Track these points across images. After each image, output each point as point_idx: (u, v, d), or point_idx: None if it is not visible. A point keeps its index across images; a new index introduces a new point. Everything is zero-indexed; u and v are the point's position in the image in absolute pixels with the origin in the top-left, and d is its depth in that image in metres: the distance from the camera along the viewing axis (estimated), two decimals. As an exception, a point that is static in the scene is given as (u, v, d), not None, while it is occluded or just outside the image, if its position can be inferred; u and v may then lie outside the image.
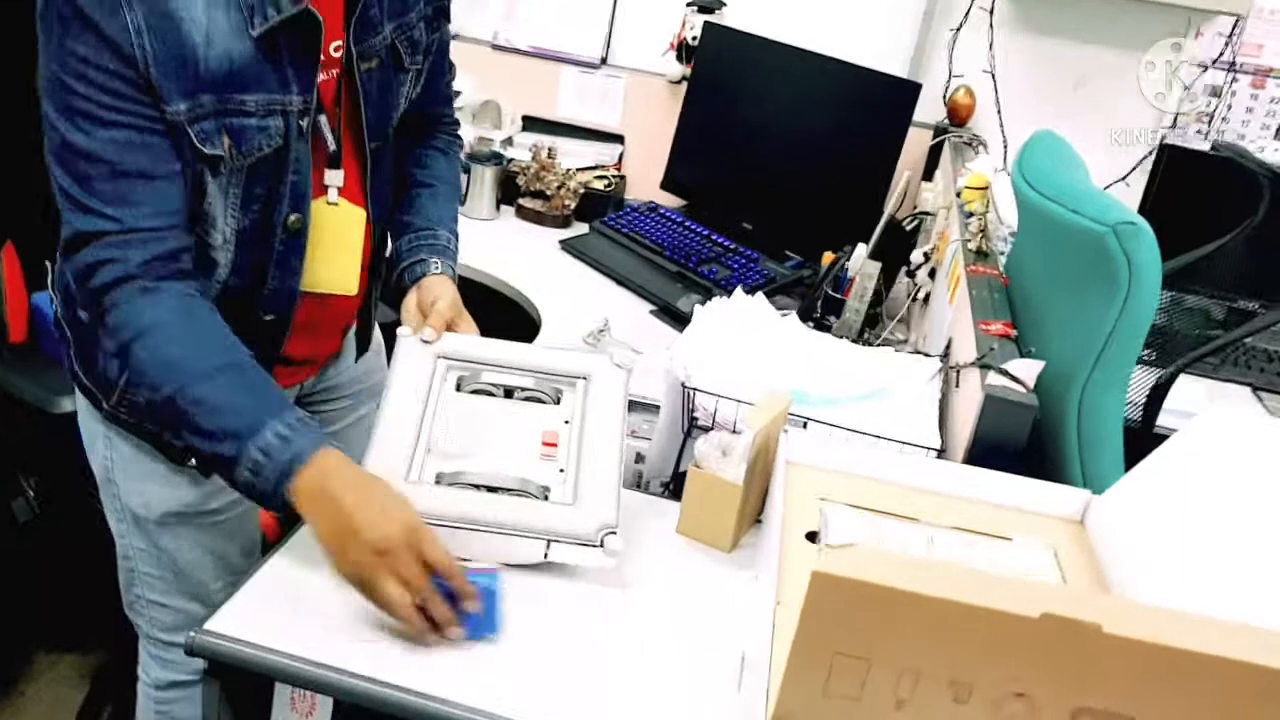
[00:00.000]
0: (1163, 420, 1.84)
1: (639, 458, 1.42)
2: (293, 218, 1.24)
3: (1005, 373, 1.26)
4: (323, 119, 1.24)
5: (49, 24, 1.07)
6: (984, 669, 0.73)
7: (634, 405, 1.46)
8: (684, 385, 1.32)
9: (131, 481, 1.37)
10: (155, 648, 1.49)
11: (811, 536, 1.08)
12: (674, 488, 1.38)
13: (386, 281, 1.46)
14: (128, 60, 1.07)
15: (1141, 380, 1.96)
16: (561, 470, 1.21)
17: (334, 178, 1.29)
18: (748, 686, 0.98)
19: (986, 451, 1.23)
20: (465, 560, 1.10)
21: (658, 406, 1.43)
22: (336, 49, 1.23)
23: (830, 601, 0.72)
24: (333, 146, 1.27)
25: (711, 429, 1.31)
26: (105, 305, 1.13)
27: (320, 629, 1.05)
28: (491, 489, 1.18)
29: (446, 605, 1.05)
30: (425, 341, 1.30)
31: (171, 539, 1.40)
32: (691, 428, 1.34)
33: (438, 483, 1.17)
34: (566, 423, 1.26)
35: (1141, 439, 1.85)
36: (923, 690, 0.75)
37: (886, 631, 0.73)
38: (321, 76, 1.22)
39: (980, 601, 0.70)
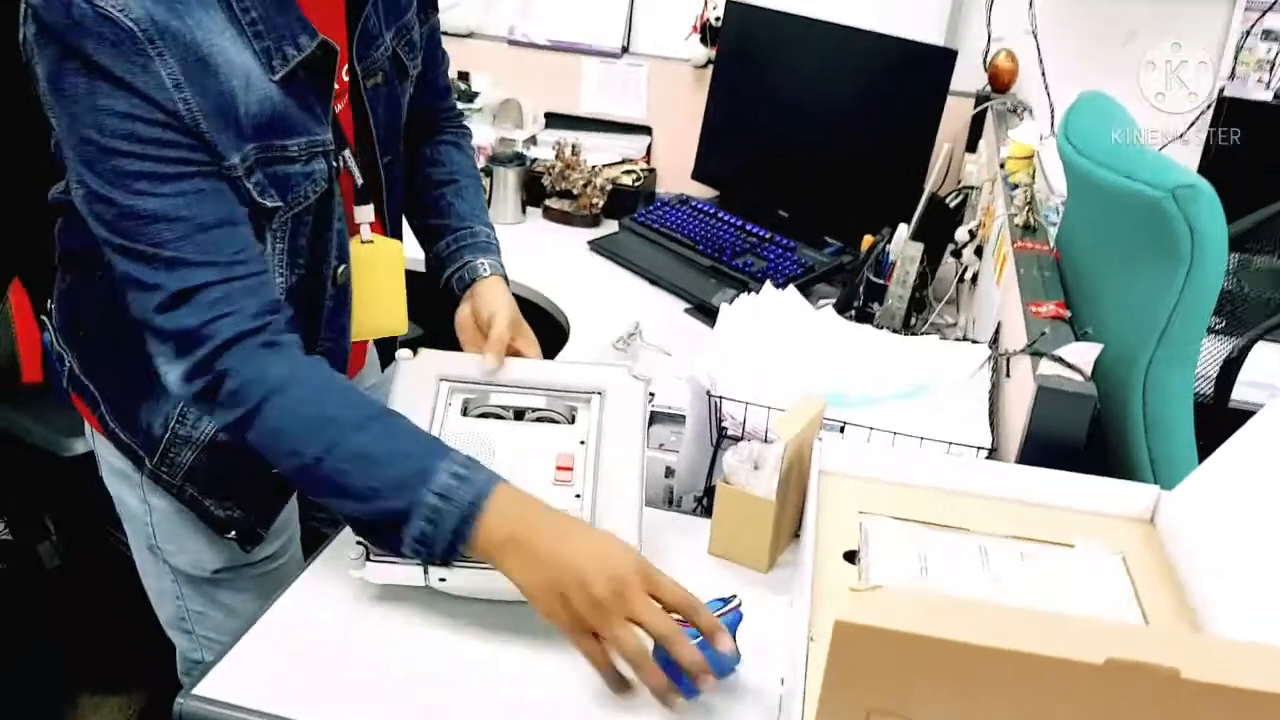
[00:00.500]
0: (1238, 394, 1.71)
1: (669, 472, 1.33)
2: (340, 270, 1.16)
3: (1059, 359, 1.15)
4: (347, 152, 1.16)
5: (68, 92, 0.94)
6: (1042, 722, 0.63)
7: (663, 416, 1.37)
8: (709, 393, 1.23)
9: (178, 542, 1.30)
10: None
11: (850, 556, 0.98)
12: (707, 503, 1.29)
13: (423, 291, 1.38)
14: (172, 114, 0.95)
15: (1211, 351, 1.82)
16: (578, 496, 1.13)
17: (364, 213, 1.21)
18: (786, 729, 0.89)
19: (1042, 448, 1.12)
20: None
21: (683, 417, 1.34)
22: (346, 72, 1.15)
23: (858, 654, 0.63)
24: (360, 180, 1.18)
25: (741, 439, 1.22)
26: (223, 368, 1.00)
27: (323, 688, 0.97)
28: None
29: (695, 649, 0.92)
30: (488, 372, 1.22)
31: (231, 593, 1.33)
32: (721, 438, 1.24)
33: None
34: (582, 443, 1.18)
35: (1215, 417, 1.72)
36: (973, 747, 0.65)
37: (925, 685, 0.63)
38: (337, 106, 1.14)
39: (1032, 648, 0.60)
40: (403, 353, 1.22)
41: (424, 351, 1.23)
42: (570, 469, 1.15)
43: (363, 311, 1.22)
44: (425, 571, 1.04)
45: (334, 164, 1.10)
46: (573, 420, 1.21)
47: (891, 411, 1.25)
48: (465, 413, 1.20)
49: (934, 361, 1.37)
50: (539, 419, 1.21)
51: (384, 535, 0.99)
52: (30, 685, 2.02)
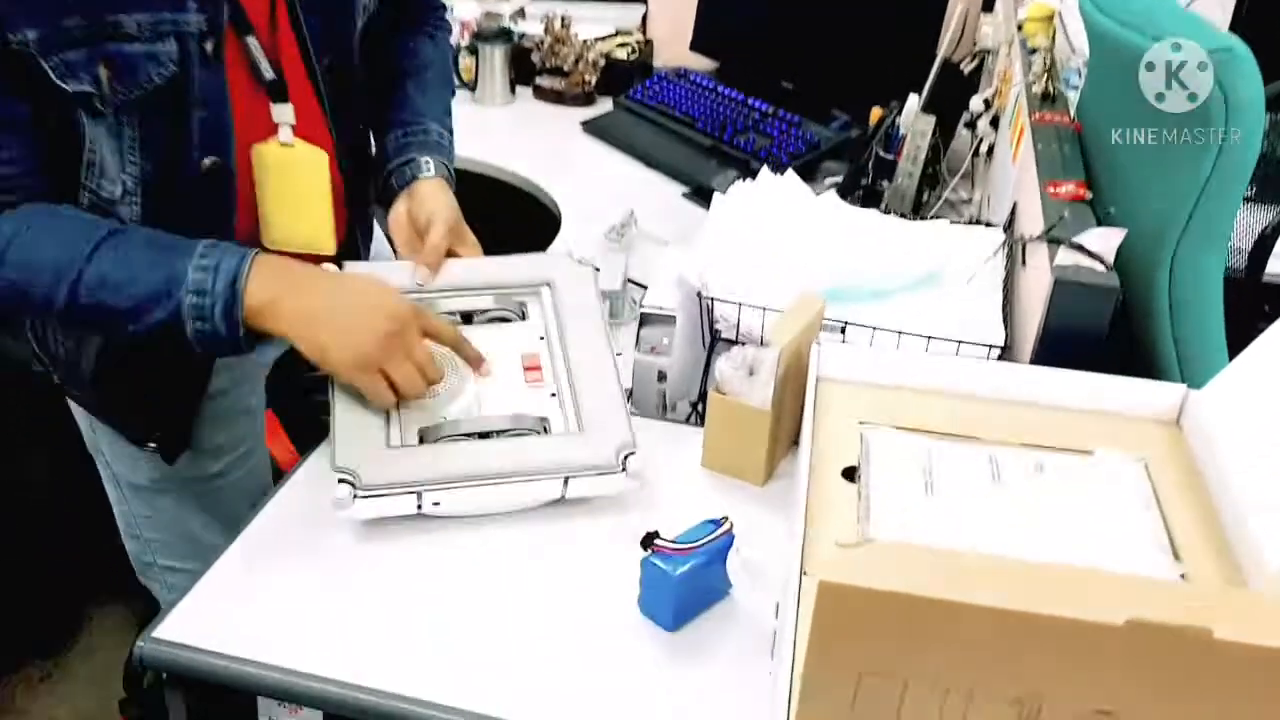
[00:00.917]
0: (1273, 268, 1.61)
1: (661, 376, 1.25)
2: (207, 161, 1.05)
3: (1079, 247, 1.05)
4: (251, 40, 1.05)
5: None
6: (1056, 685, 0.56)
7: (655, 317, 1.28)
8: (700, 294, 1.14)
9: (114, 448, 1.25)
10: None
11: (850, 473, 0.91)
12: (702, 409, 1.21)
13: (376, 188, 1.29)
14: None
15: (1243, 222, 1.72)
16: (553, 394, 1.07)
17: (282, 113, 1.10)
18: (775, 665, 0.83)
19: (1059, 345, 1.03)
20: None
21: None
22: None
23: (846, 616, 0.56)
24: (270, 74, 1.08)
25: (736, 343, 1.14)
26: None
27: (296, 628, 0.92)
28: (484, 435, 1.03)
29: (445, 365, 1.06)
30: (419, 284, 1.14)
31: (172, 504, 1.29)
32: (714, 341, 1.16)
33: (422, 442, 1.02)
34: (542, 338, 1.11)
35: (1247, 294, 1.63)
36: (978, 710, 0.58)
37: (922, 646, 0.56)
38: None
39: (1043, 609, 0.53)
40: (326, 268, 1.12)
41: (349, 265, 1.14)
42: (539, 368, 1.09)
43: (278, 220, 1.14)
44: (418, 499, 0.98)
45: (198, 48, 0.99)
46: (524, 316, 1.14)
47: (897, 307, 1.17)
48: None
49: (943, 248, 1.27)
50: (490, 319, 1.14)
51: (176, 345, 1.00)
52: (36, 596, 1.99)
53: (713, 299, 1.13)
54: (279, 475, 1.44)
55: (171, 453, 1.22)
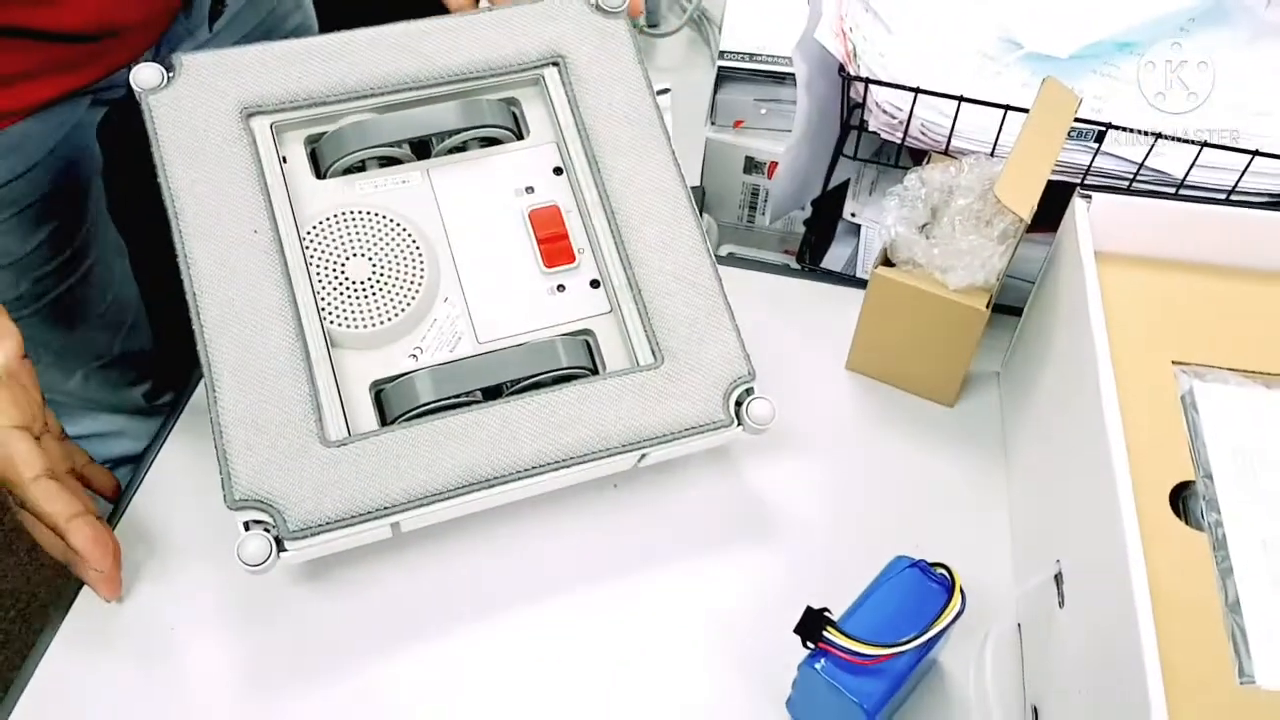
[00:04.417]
0: None
1: (750, 165, 0.80)
2: None
3: None
4: None
5: None
6: None
7: (739, 75, 0.80)
8: (844, 72, 0.66)
9: None
10: None
11: (1179, 497, 0.50)
12: (815, 241, 0.77)
13: None
14: None
15: None
16: (595, 283, 0.62)
17: None
18: None
19: None
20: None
21: (778, 75, 0.78)
22: None
23: None
24: None
25: (900, 147, 0.68)
26: None
27: None
28: (491, 391, 0.59)
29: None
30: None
31: None
32: (856, 128, 0.69)
33: (389, 419, 0.57)
34: (558, 172, 0.64)
35: None
36: None
37: None
38: None
39: None
40: (144, 73, 0.59)
41: (190, 58, 0.60)
42: (564, 235, 0.62)
43: None
44: (395, 526, 0.56)
45: None
46: (521, 134, 0.65)
47: (1156, 70, 0.70)
48: (324, 172, 0.62)
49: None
50: (453, 149, 0.64)
51: None
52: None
53: (868, 82, 0.65)
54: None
55: None
